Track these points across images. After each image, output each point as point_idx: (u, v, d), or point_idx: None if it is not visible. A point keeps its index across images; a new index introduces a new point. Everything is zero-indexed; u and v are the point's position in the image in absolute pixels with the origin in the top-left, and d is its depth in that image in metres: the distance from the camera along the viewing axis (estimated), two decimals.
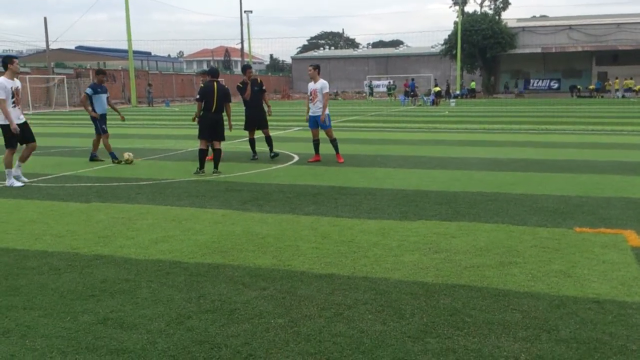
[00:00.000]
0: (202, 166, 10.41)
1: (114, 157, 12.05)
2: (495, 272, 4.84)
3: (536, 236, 5.95)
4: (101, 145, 12.32)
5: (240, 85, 12.26)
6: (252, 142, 12.41)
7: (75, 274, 4.95)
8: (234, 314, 4.03)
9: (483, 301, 4.22)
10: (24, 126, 9.53)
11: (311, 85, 11.86)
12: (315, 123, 11.87)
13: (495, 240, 5.83)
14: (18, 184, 9.37)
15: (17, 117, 9.39)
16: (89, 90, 12.35)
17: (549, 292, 4.38)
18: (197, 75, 13.86)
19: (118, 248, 5.71)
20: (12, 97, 9.27)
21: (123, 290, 4.54)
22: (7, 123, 9.21)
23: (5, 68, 9.37)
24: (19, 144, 9.57)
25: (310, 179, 9.68)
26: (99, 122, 12.19)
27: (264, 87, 12.50)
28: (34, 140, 9.79)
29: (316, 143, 11.99)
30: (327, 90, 11.82)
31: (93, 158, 12.40)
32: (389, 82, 59.89)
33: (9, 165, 9.38)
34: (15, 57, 9.71)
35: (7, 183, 9.34)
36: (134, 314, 4.06)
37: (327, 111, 11.72)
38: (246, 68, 12.52)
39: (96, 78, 12.88)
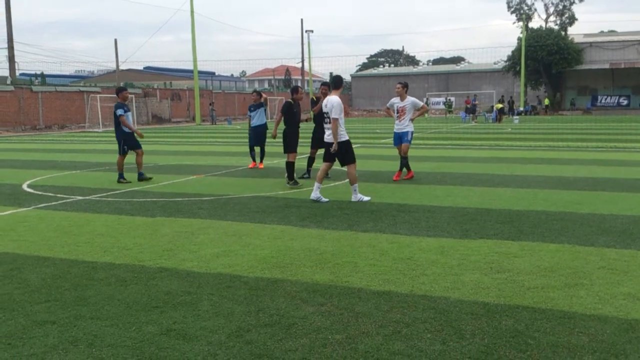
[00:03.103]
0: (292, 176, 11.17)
1: (121, 177, 11.82)
2: (560, 294, 4.69)
3: (604, 257, 5.73)
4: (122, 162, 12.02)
5: (314, 99, 12.55)
6: (310, 160, 12.51)
7: (140, 285, 5.12)
8: (292, 329, 4.07)
9: (547, 323, 4.10)
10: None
11: (397, 102, 11.88)
12: (399, 140, 11.92)
13: (560, 260, 5.65)
14: (366, 198, 9.19)
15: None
16: (120, 111, 11.61)
17: (617, 316, 4.20)
18: (252, 94, 14.23)
19: (181, 261, 5.88)
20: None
21: (185, 302, 4.66)
22: (347, 139, 9.23)
23: (337, 87, 9.46)
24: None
25: (369, 196, 9.66)
26: (124, 142, 11.80)
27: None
28: (352, 162, 9.48)
29: (404, 159, 11.92)
30: (421, 103, 12.12)
31: (140, 178, 11.98)
32: (446, 99, 59.31)
33: (354, 180, 9.25)
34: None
35: (355, 198, 9.19)
36: (195, 325, 4.16)
37: (411, 128, 11.80)
38: (321, 85, 12.77)
39: (121, 96, 11.93)
